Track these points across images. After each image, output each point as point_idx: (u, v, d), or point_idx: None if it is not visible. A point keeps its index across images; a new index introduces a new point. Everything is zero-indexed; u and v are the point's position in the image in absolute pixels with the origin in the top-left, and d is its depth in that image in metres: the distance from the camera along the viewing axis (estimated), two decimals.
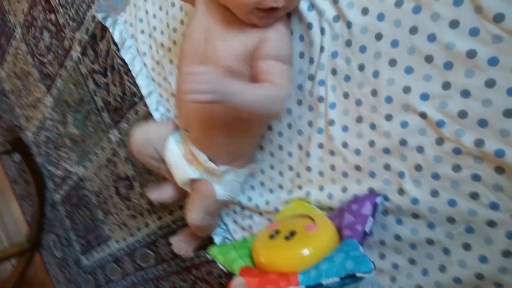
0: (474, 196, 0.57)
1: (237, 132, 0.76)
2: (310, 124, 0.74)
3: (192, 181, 0.84)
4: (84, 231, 1.71)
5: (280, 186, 0.84)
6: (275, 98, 0.66)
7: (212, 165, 0.79)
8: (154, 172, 1.16)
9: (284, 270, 0.59)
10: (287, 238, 0.64)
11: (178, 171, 0.85)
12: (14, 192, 2.30)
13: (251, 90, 0.65)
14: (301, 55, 0.72)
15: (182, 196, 0.95)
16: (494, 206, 0.56)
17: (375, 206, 0.65)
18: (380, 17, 0.60)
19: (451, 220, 0.60)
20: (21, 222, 2.38)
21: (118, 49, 1.08)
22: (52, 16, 1.31)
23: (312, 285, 0.55)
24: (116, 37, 1.07)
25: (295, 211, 0.75)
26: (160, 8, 0.94)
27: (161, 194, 0.99)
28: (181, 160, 0.84)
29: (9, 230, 2.61)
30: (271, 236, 0.67)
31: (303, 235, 0.63)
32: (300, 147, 0.77)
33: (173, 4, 0.90)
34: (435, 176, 0.60)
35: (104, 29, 1.11)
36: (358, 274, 0.53)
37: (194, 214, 0.83)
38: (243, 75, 0.69)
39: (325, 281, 0.55)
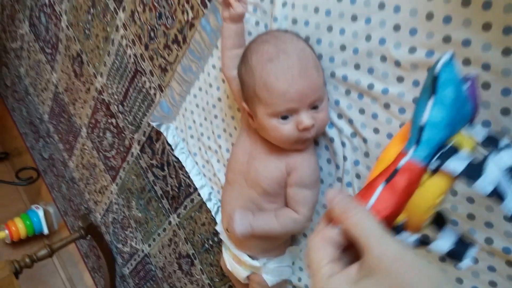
0: (493, 284, 0.65)
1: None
2: None
3: (248, 277, 0.95)
4: None
5: None
6: (294, 224, 0.82)
7: (252, 262, 0.91)
8: (212, 252, 1.30)
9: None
10: None
11: (236, 274, 0.97)
12: (86, 265, 2.50)
13: (274, 220, 0.81)
14: (329, 161, 0.84)
15: None
16: None
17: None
18: (389, 136, 0.71)
19: None
20: None
21: (172, 149, 1.24)
22: (113, 120, 1.50)
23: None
24: (170, 140, 1.23)
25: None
26: (205, 119, 1.09)
27: None
28: (232, 263, 0.97)
29: None
30: None
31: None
32: None
33: (216, 117, 1.05)
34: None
35: (159, 132, 1.28)
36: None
37: None
38: (278, 195, 0.82)
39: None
